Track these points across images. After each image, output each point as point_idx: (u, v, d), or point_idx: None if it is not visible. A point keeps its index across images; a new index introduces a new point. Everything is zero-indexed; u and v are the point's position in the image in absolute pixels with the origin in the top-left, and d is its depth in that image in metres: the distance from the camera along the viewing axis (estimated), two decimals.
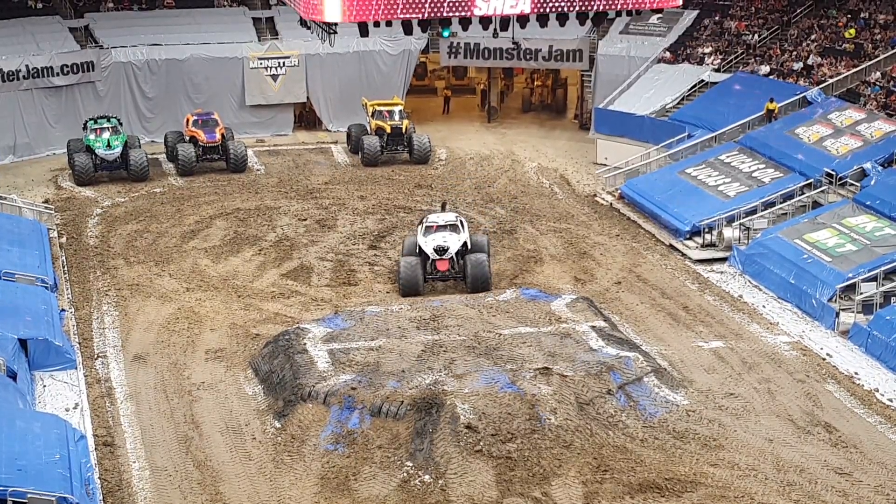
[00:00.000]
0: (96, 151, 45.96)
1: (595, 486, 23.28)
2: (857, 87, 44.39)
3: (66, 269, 36.25)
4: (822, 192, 38.99)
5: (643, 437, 25.23)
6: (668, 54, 53.04)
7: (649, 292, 34.91)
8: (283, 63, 54.46)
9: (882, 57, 44.73)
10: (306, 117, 57.27)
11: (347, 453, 24.59)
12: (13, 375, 26.47)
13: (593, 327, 30.22)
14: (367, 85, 55.42)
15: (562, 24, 31.44)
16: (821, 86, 45.14)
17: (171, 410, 26.95)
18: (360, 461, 24.30)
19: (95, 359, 29.78)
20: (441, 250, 33.50)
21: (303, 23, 31.61)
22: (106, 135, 46.33)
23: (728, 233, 38.13)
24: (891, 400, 27.65)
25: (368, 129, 50.67)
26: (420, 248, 34.08)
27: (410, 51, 56.32)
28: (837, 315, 31.75)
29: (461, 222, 34.99)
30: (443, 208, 37.21)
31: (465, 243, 34.36)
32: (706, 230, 38.78)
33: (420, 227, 34.94)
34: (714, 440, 25.35)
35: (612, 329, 30.70)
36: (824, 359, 30.06)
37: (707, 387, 28.14)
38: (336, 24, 30.04)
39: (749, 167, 42.12)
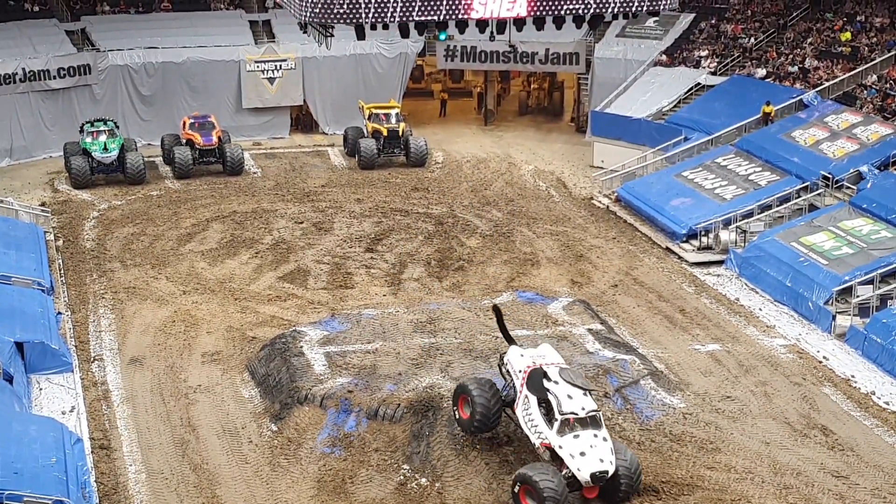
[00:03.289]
0: (93, 154, 45.96)
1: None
2: (854, 90, 44.45)
3: (62, 272, 36.21)
4: (819, 195, 39.02)
5: (640, 439, 25.22)
6: (664, 57, 53.09)
7: (646, 295, 34.92)
8: (280, 66, 54.47)
9: (878, 60, 44.81)
10: (303, 120, 57.29)
11: (344, 456, 24.59)
12: (9, 378, 26.44)
13: (590, 330, 30.25)
14: (364, 88, 55.48)
15: (558, 27, 31.45)
16: (817, 89, 45.20)
17: (168, 413, 26.92)
18: (356, 464, 24.29)
19: (92, 362, 29.74)
20: (602, 477, 21.89)
21: (300, 26, 31.58)
22: (102, 138, 46.31)
23: (725, 236, 38.17)
24: (887, 403, 27.67)
25: (365, 131, 50.66)
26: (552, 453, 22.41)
27: (407, 54, 56.37)
28: (834, 318, 31.79)
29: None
30: (505, 334, 25.58)
31: None
32: (703, 233, 38.82)
33: (534, 397, 22.91)
34: (711, 443, 25.36)
35: (609, 332, 30.72)
36: (821, 362, 30.09)
37: (703, 390, 28.15)
38: (332, 27, 30.03)
39: (745, 170, 42.16)
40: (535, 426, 22.67)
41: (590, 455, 21.77)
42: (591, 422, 22.30)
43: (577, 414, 22.23)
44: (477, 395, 23.53)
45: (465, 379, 24.53)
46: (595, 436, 22.12)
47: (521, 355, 24.01)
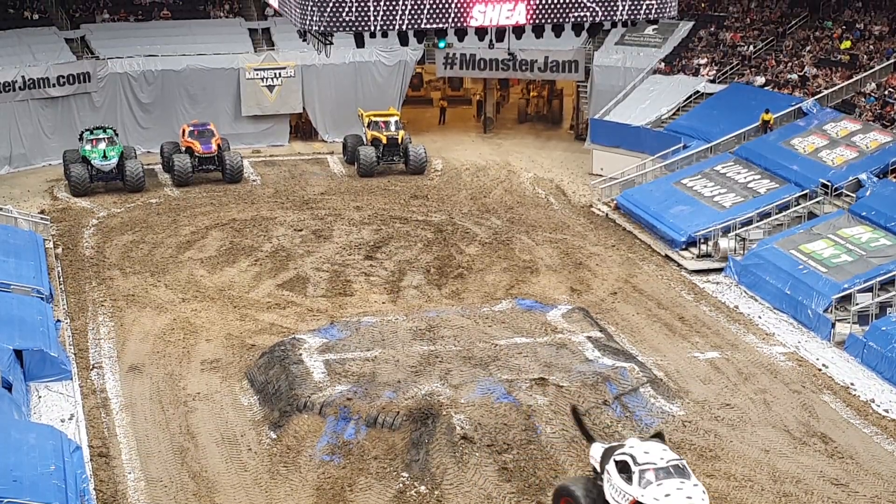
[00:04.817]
0: (92, 162, 45.97)
1: None
2: (853, 98, 44.49)
3: (61, 279, 36.20)
4: (818, 202, 39.03)
5: None
6: (663, 65, 53.15)
7: (645, 303, 34.92)
8: (280, 74, 54.52)
9: (877, 68, 44.86)
10: (302, 128, 57.34)
11: (343, 464, 24.56)
12: (8, 386, 26.41)
13: (589, 338, 30.22)
14: (363, 95, 55.53)
15: (557, 35, 31.48)
16: (816, 97, 45.24)
17: (167, 421, 26.90)
18: (355, 472, 24.27)
19: (91, 369, 29.72)
20: None
21: (299, 34, 31.63)
22: (102, 145, 46.32)
23: (724, 243, 38.18)
24: (887, 411, 27.65)
25: (364, 139, 50.69)
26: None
27: (406, 61, 56.42)
28: (833, 326, 31.78)
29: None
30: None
31: None
32: (702, 241, 38.84)
33: (612, 466, 21.46)
34: (710, 451, 25.35)
35: (608, 340, 30.70)
36: (820, 369, 30.08)
37: (703, 397, 28.14)
38: (332, 35, 30.05)
39: (745, 178, 42.18)
40: (620, 490, 21.10)
41: (676, 495, 20.30)
42: (674, 471, 20.79)
43: (655, 464, 20.85)
44: (583, 496, 21.74)
45: (566, 481, 22.80)
46: (682, 482, 20.64)
47: (602, 447, 22.81)
